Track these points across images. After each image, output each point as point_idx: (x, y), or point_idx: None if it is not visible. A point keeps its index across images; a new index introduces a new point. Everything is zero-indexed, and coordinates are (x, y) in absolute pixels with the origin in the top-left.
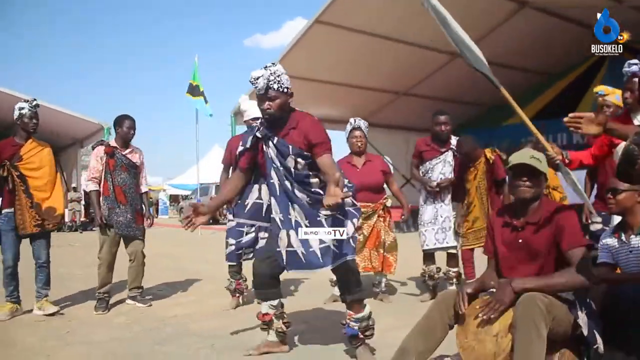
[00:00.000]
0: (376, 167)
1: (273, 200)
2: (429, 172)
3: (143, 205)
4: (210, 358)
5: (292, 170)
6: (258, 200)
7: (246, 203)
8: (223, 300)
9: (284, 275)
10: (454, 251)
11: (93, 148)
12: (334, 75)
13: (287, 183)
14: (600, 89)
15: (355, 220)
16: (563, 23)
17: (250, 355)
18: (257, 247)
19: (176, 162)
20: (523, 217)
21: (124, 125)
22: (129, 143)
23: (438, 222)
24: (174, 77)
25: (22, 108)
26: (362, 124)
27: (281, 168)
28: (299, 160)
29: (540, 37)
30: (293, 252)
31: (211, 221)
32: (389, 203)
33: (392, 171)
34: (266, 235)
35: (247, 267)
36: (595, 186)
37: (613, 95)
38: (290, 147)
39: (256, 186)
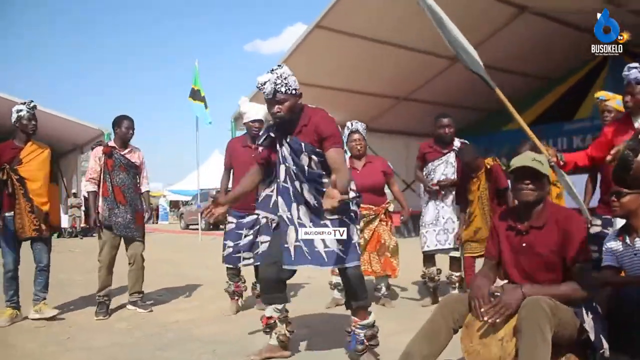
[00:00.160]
0: (377, 168)
1: (280, 198)
2: (432, 173)
3: (143, 205)
4: None
5: (306, 168)
6: (269, 193)
7: (259, 194)
8: (223, 305)
9: None
10: (456, 254)
11: (92, 149)
12: (334, 81)
13: (297, 183)
14: (601, 94)
15: (358, 226)
16: (563, 28)
17: None
18: (259, 251)
19: (176, 168)
20: (527, 220)
21: (123, 126)
22: (127, 143)
23: (440, 224)
24: (174, 83)
25: (20, 110)
26: (360, 126)
27: (293, 167)
28: (313, 157)
29: (540, 42)
30: (299, 247)
31: (212, 227)
32: (391, 208)
33: (393, 173)
34: (267, 238)
35: (246, 270)
36: (599, 190)
37: (614, 101)
38: (303, 144)
39: (269, 180)
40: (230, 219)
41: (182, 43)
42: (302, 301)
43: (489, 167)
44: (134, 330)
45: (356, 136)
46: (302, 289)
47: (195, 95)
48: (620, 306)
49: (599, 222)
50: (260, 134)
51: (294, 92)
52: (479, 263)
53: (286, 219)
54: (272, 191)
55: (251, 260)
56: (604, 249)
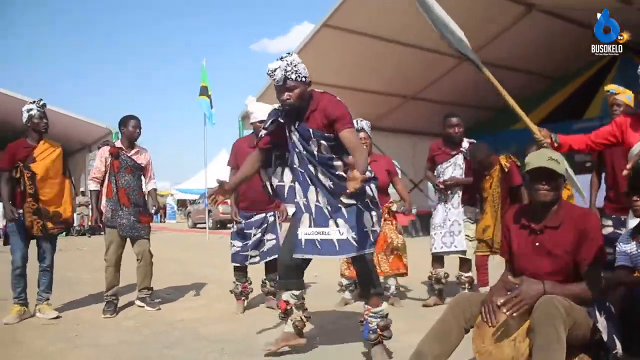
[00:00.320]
0: (381, 167)
1: (297, 184)
2: (440, 175)
3: (150, 202)
4: None
5: (316, 153)
6: (280, 183)
7: (282, 183)
8: (231, 305)
9: None
10: (464, 256)
11: (98, 148)
12: (342, 79)
13: (311, 167)
14: (612, 87)
15: (374, 213)
16: (571, 26)
17: (269, 351)
18: (264, 249)
19: (184, 167)
20: (542, 220)
21: (129, 125)
22: (134, 143)
23: (446, 226)
24: (181, 82)
25: (31, 109)
26: (365, 124)
27: (304, 152)
28: (322, 142)
29: (548, 41)
30: (311, 240)
31: (219, 225)
32: (394, 207)
33: (398, 171)
34: (273, 237)
35: (253, 270)
36: (605, 187)
37: (624, 95)
38: (311, 130)
39: (279, 169)
40: (237, 219)
41: (190, 43)
42: (310, 300)
43: (504, 165)
44: (141, 328)
45: (362, 134)
46: (310, 288)
47: (203, 92)
48: (633, 306)
49: (609, 222)
50: (268, 116)
51: (303, 79)
52: (491, 262)
53: (302, 206)
54: (280, 181)
55: (257, 259)
56: (617, 249)
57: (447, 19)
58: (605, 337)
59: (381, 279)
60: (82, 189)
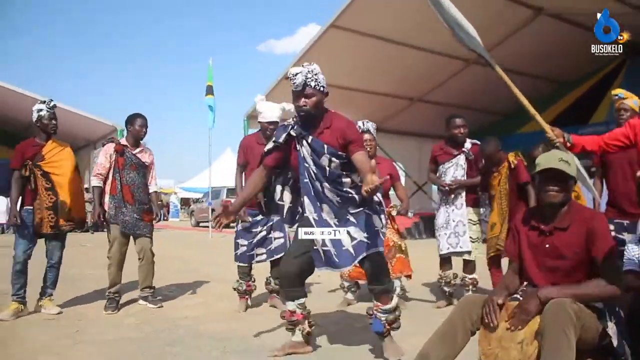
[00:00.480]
0: (383, 171)
1: (306, 199)
2: (442, 175)
3: (152, 205)
4: None
5: (326, 169)
6: (280, 202)
7: (298, 211)
8: (233, 303)
9: None
10: (468, 257)
11: (103, 145)
12: (348, 80)
13: (318, 183)
14: (619, 91)
15: (382, 215)
16: (578, 30)
17: (275, 356)
18: (272, 247)
19: (188, 165)
20: (551, 221)
21: (136, 124)
22: (139, 142)
23: (450, 227)
24: (187, 81)
25: (41, 110)
26: (371, 126)
27: (313, 167)
28: (333, 159)
29: (555, 45)
30: (328, 251)
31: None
32: (394, 212)
33: (400, 176)
34: (281, 234)
35: (257, 269)
36: (606, 193)
37: (631, 100)
38: (326, 146)
39: (278, 187)
40: (246, 219)
41: (197, 42)
42: (313, 301)
43: (512, 161)
44: (143, 326)
45: (367, 136)
46: (312, 289)
47: (209, 91)
48: None
49: (612, 227)
50: (277, 132)
51: (322, 89)
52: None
53: (312, 221)
54: (280, 200)
55: (264, 257)
56: (625, 253)
57: (459, 15)
58: (615, 343)
59: None
60: (86, 186)
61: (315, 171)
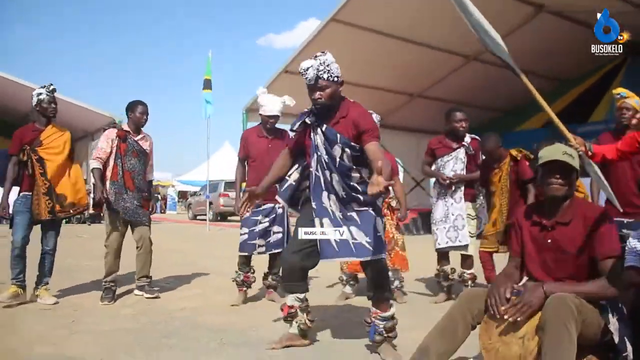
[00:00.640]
0: None
1: (312, 188)
2: (441, 169)
3: (150, 192)
4: (219, 352)
5: (337, 159)
6: (287, 177)
7: (300, 196)
8: (231, 295)
9: None
10: (466, 252)
11: (104, 130)
12: (348, 75)
13: (327, 172)
14: (622, 90)
15: (384, 219)
16: (579, 28)
17: (273, 349)
18: (270, 240)
19: (186, 158)
20: (553, 216)
21: (137, 111)
22: (140, 129)
23: (449, 221)
24: (186, 74)
25: (40, 94)
26: (376, 117)
27: (325, 156)
28: (346, 150)
29: (555, 43)
30: (326, 240)
31: (219, 218)
32: (393, 203)
33: (399, 171)
34: (280, 229)
35: (256, 263)
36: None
37: (633, 99)
38: (339, 135)
39: (294, 166)
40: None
41: (196, 36)
42: (312, 295)
43: (516, 155)
44: (139, 317)
45: None
46: (312, 283)
47: (207, 85)
48: None
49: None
50: (295, 120)
51: (335, 79)
52: (496, 256)
53: (313, 211)
54: (295, 180)
55: (263, 249)
56: (627, 249)
57: (486, 22)
58: (616, 339)
59: None
60: (84, 177)
61: (326, 160)
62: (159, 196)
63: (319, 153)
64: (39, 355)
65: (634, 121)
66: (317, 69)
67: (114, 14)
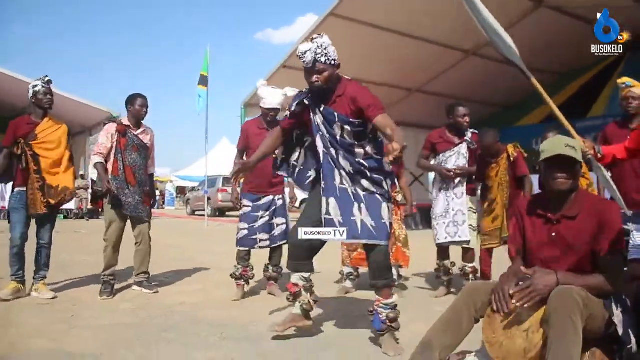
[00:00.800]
0: None
1: (323, 166)
2: (443, 164)
3: (151, 187)
4: (219, 347)
5: (338, 137)
6: (294, 163)
7: (308, 175)
8: (230, 290)
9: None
10: (467, 245)
11: (104, 125)
12: (346, 70)
13: (333, 150)
14: (627, 80)
15: (390, 205)
16: (578, 23)
17: (275, 332)
18: (275, 233)
19: (184, 154)
20: (558, 210)
21: (137, 104)
22: (141, 122)
23: (449, 216)
24: (184, 69)
25: (36, 85)
26: None
27: (327, 135)
28: (346, 127)
29: (554, 38)
30: (330, 219)
31: (217, 213)
32: (399, 197)
33: (404, 164)
34: (283, 220)
35: (256, 257)
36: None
37: (638, 88)
38: (337, 114)
39: (297, 149)
40: (245, 202)
41: (195, 34)
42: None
43: (511, 154)
44: (138, 311)
45: None
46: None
47: (204, 82)
48: None
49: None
50: (292, 100)
51: (333, 62)
52: (496, 254)
53: (321, 190)
54: (295, 162)
55: (267, 243)
56: (631, 242)
57: (496, 24)
58: (620, 331)
59: None
60: (81, 173)
61: (329, 139)
62: (158, 192)
63: (320, 132)
64: (37, 349)
65: None
66: (315, 52)
67: (114, 12)
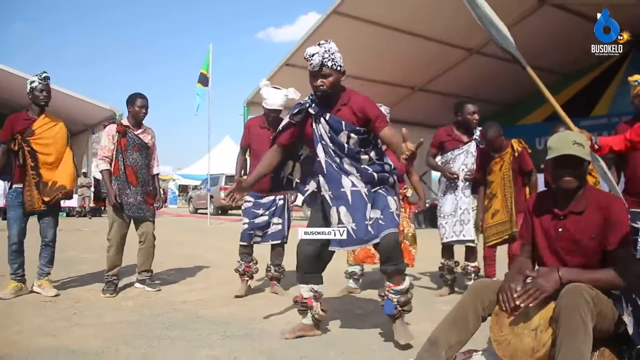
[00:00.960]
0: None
1: (321, 178)
2: (450, 162)
3: (155, 187)
4: (222, 344)
5: (345, 146)
6: (289, 177)
7: (306, 189)
8: (233, 288)
9: (292, 267)
10: (472, 245)
11: (104, 126)
12: (349, 68)
13: (337, 159)
14: (638, 77)
15: (396, 197)
16: (582, 22)
17: (286, 338)
18: (269, 231)
19: (186, 152)
20: (566, 205)
21: (136, 104)
22: (141, 122)
23: (457, 214)
24: (186, 68)
25: (33, 82)
26: (385, 110)
27: (331, 145)
28: (352, 135)
29: (558, 36)
30: (344, 226)
31: (220, 212)
32: (409, 193)
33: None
34: (280, 221)
35: (260, 255)
36: (623, 180)
37: None
38: (343, 123)
39: (289, 162)
40: (248, 197)
41: (197, 33)
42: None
43: (516, 148)
44: (141, 309)
45: None
46: None
47: (204, 80)
48: None
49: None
50: (292, 110)
51: (339, 68)
52: (499, 252)
53: (328, 199)
54: (290, 174)
55: (259, 239)
56: (638, 241)
57: (493, 15)
58: (630, 331)
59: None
60: (84, 170)
61: (333, 148)
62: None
63: (323, 142)
64: (39, 346)
65: None
66: (322, 56)
67: (114, 9)
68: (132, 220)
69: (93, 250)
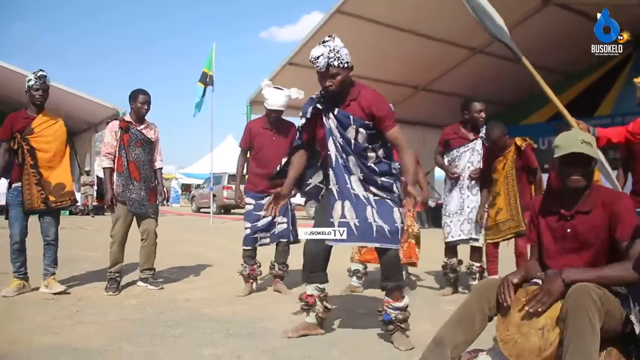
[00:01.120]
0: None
1: (331, 171)
2: (456, 160)
3: (157, 182)
4: (225, 343)
5: (352, 141)
6: (320, 185)
7: (308, 182)
8: (236, 287)
9: (296, 266)
10: (477, 244)
11: (107, 123)
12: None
13: (344, 155)
14: None
15: (402, 210)
16: (586, 21)
17: (289, 337)
18: (275, 231)
19: (189, 151)
20: (572, 205)
21: (138, 100)
22: (143, 118)
23: (464, 213)
24: (189, 66)
25: (29, 80)
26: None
27: (340, 139)
28: (361, 130)
29: (562, 36)
30: (345, 223)
31: (222, 210)
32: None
33: (419, 160)
34: (284, 220)
35: (262, 253)
36: (631, 181)
37: None
38: (352, 117)
39: (322, 171)
40: (248, 200)
41: (200, 32)
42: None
43: (520, 145)
44: (144, 307)
45: None
46: None
47: (206, 80)
48: None
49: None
50: (304, 106)
51: (346, 65)
52: (501, 250)
53: (335, 193)
54: (320, 182)
55: (267, 240)
56: None
57: (487, 4)
58: (637, 330)
59: None
60: (87, 169)
61: (342, 143)
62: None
63: (333, 137)
64: (41, 344)
65: None
66: (328, 57)
67: (117, 8)
68: (134, 217)
69: (96, 249)
